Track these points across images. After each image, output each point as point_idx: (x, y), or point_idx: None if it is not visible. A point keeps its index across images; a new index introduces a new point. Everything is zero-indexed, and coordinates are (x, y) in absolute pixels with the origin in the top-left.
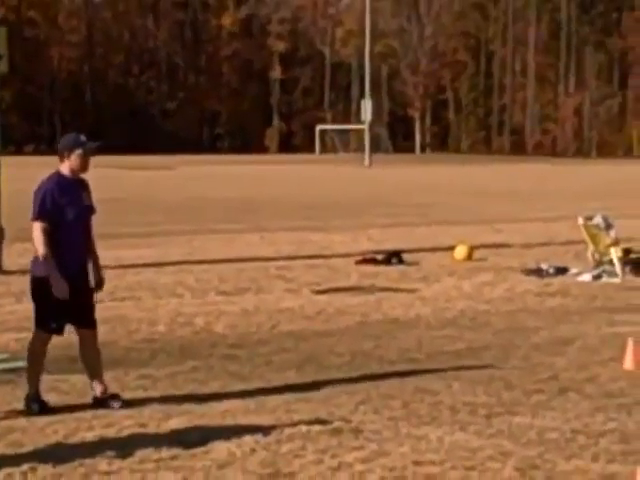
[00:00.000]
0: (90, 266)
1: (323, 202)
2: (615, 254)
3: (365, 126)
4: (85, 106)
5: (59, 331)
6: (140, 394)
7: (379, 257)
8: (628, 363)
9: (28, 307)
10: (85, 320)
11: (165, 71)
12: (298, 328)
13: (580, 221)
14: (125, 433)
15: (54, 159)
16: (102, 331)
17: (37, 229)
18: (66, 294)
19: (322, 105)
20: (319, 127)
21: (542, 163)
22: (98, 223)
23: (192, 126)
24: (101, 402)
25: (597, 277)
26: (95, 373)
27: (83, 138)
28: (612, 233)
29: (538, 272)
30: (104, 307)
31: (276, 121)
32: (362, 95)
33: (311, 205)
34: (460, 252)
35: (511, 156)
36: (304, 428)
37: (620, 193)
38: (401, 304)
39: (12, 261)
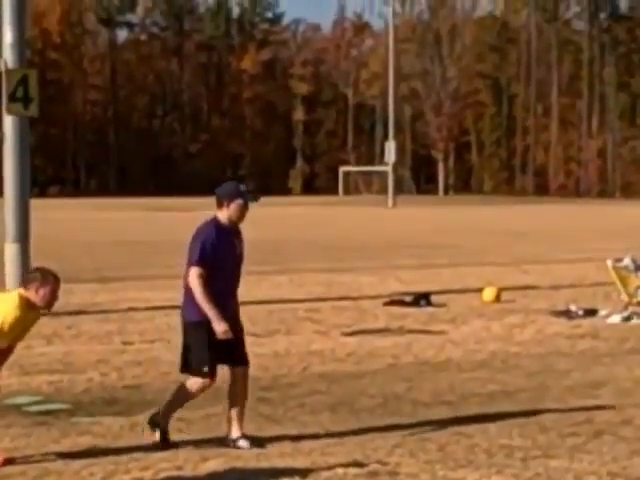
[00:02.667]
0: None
1: (349, 243)
2: None
3: (389, 168)
4: (109, 149)
5: (212, 375)
6: (175, 436)
7: (407, 299)
8: None
9: (59, 349)
10: (240, 357)
11: (189, 113)
12: (329, 370)
13: (609, 263)
14: (162, 476)
15: (79, 202)
16: (135, 373)
17: (195, 274)
18: (225, 334)
19: (345, 147)
20: (342, 169)
21: (566, 204)
22: (124, 265)
23: (215, 168)
24: (229, 442)
25: (627, 319)
26: (241, 412)
27: (243, 188)
28: None
29: (567, 314)
30: (135, 349)
31: (300, 163)
32: (386, 137)
33: (337, 246)
34: (488, 294)
35: (534, 197)
36: (340, 471)
37: None
38: (431, 346)
39: None
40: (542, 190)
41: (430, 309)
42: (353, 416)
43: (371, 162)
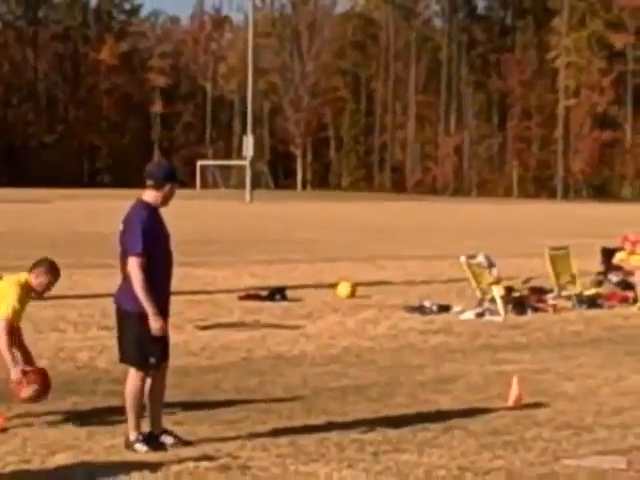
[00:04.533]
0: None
1: (204, 237)
2: (497, 292)
3: (247, 162)
4: None
5: (158, 367)
6: (23, 430)
7: (262, 293)
8: (512, 401)
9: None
10: (166, 353)
11: (45, 104)
12: (182, 364)
13: (463, 260)
14: (9, 469)
15: None
16: None
17: (135, 264)
18: (161, 331)
19: (204, 141)
20: (200, 162)
21: (422, 201)
22: None
23: (72, 160)
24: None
25: (480, 315)
26: (160, 409)
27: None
28: (494, 272)
29: (421, 309)
30: None
31: (157, 156)
32: (244, 131)
33: (192, 240)
34: (343, 289)
35: (392, 194)
36: (191, 465)
37: (500, 232)
38: (285, 340)
39: None
40: (399, 187)
41: (285, 303)
42: (205, 410)
43: (229, 156)
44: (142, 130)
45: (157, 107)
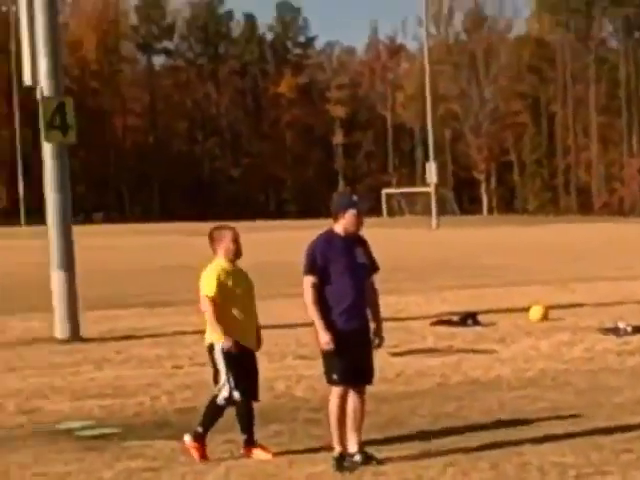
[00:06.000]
0: (371, 324)
1: (394, 264)
2: None
3: (431, 189)
4: (151, 174)
5: (341, 383)
6: (227, 460)
7: (455, 318)
8: None
9: (108, 374)
10: (365, 375)
11: (229, 138)
12: (378, 390)
13: None
14: None
15: (124, 227)
16: (185, 396)
17: (305, 283)
18: (326, 345)
19: (386, 168)
20: (385, 190)
21: (610, 222)
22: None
23: (258, 192)
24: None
25: None
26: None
27: (355, 198)
28: None
29: (615, 331)
30: (185, 373)
31: (341, 185)
32: (426, 158)
33: (383, 268)
34: (535, 313)
35: (579, 216)
36: None
37: None
38: (480, 365)
39: (90, 328)
40: (586, 209)
41: (478, 328)
42: (404, 435)
43: (413, 183)
44: (325, 161)
45: (338, 137)
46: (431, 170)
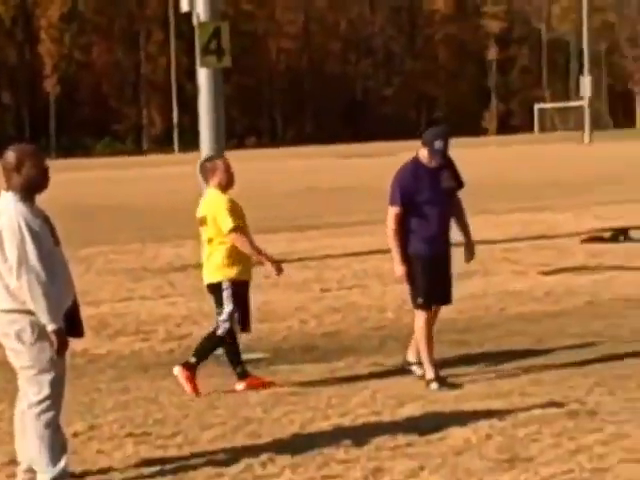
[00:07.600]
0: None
1: (546, 181)
2: None
3: (585, 103)
4: (304, 97)
5: (424, 307)
6: (373, 382)
7: (606, 235)
8: None
9: (257, 299)
10: (446, 296)
11: (382, 58)
12: (527, 310)
13: None
14: (360, 421)
15: (276, 151)
16: (333, 320)
17: (389, 214)
18: (400, 278)
19: (540, 83)
20: (537, 106)
21: None
22: (321, 213)
23: (410, 111)
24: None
25: None
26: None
27: (438, 146)
28: None
29: None
30: (333, 296)
31: (494, 102)
32: (581, 72)
33: (534, 185)
34: None
35: None
36: (539, 411)
37: None
38: (631, 283)
39: None
40: None
41: (630, 245)
42: (551, 356)
43: (566, 98)
44: (478, 77)
45: (492, 53)
46: (585, 84)
